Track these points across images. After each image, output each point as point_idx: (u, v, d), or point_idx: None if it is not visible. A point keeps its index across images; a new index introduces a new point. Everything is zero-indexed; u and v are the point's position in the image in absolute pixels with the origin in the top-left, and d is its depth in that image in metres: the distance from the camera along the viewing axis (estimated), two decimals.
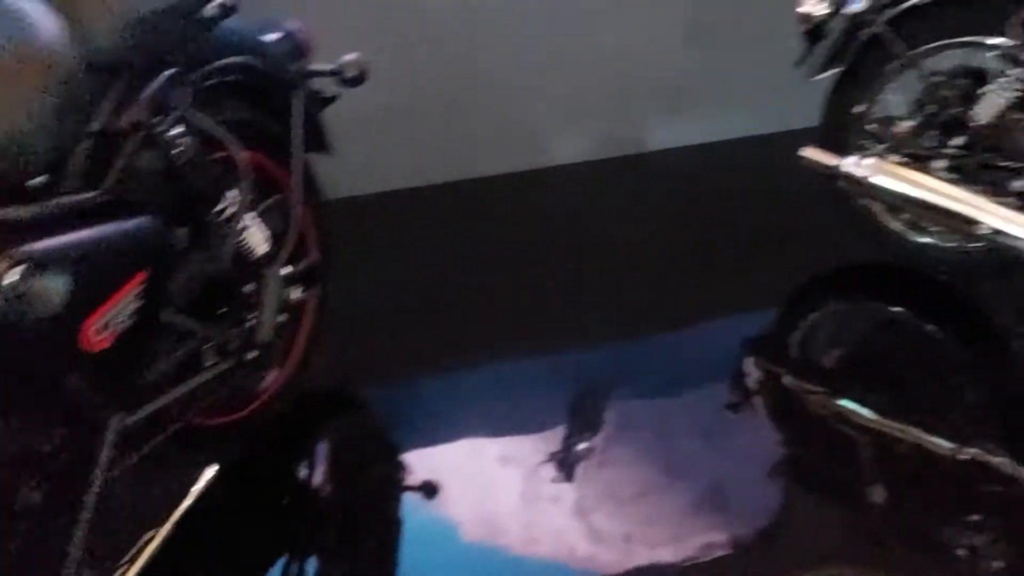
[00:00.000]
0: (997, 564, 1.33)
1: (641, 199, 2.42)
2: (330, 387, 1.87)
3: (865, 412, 1.64)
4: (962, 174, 1.72)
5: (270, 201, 1.51)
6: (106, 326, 1.07)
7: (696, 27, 2.43)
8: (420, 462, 1.63)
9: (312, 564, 1.48)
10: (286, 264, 1.50)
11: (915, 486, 1.50)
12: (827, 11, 1.78)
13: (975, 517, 1.42)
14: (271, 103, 1.48)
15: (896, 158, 1.76)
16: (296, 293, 1.57)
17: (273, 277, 1.45)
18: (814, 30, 1.81)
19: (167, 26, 1.23)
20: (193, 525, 1.41)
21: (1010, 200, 1.63)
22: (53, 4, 1.10)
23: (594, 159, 2.54)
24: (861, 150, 1.89)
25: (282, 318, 1.51)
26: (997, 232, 1.61)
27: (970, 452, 1.52)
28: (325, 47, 1.57)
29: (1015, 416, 1.63)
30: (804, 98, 1.93)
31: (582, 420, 1.70)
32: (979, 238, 1.65)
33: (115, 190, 1.14)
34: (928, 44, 1.72)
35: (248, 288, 1.43)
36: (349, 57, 1.53)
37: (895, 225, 1.91)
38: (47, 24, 1.07)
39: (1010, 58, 1.58)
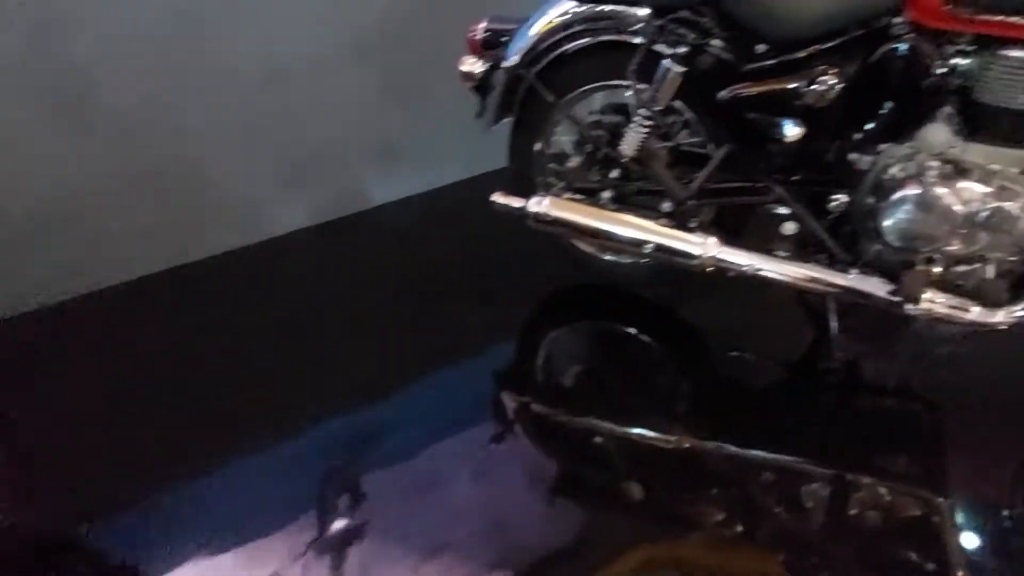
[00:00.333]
0: (734, 531, 1.54)
1: (369, 255, 2.46)
2: (33, 534, 1.59)
3: (606, 422, 1.79)
4: (624, 202, 1.92)
5: None
6: None
7: (392, 88, 2.52)
8: None
9: None
10: None
11: (661, 476, 1.66)
12: (485, 67, 1.92)
13: (713, 491, 1.61)
14: None
15: (569, 194, 1.94)
16: None
17: None
18: (480, 85, 1.96)
19: None
20: None
21: (663, 220, 1.84)
22: None
23: (317, 223, 2.54)
24: (548, 187, 2.07)
25: None
26: (659, 248, 1.82)
27: (692, 440, 1.72)
28: None
29: (718, 401, 1.87)
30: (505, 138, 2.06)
31: (340, 497, 1.64)
32: (647, 255, 1.85)
33: None
34: (574, 91, 1.91)
35: None
36: None
37: (588, 248, 2.11)
38: None
39: (638, 98, 1.79)
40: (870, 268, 1.73)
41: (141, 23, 2.11)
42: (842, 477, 1.63)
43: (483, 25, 1.93)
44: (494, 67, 1.92)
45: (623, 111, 1.90)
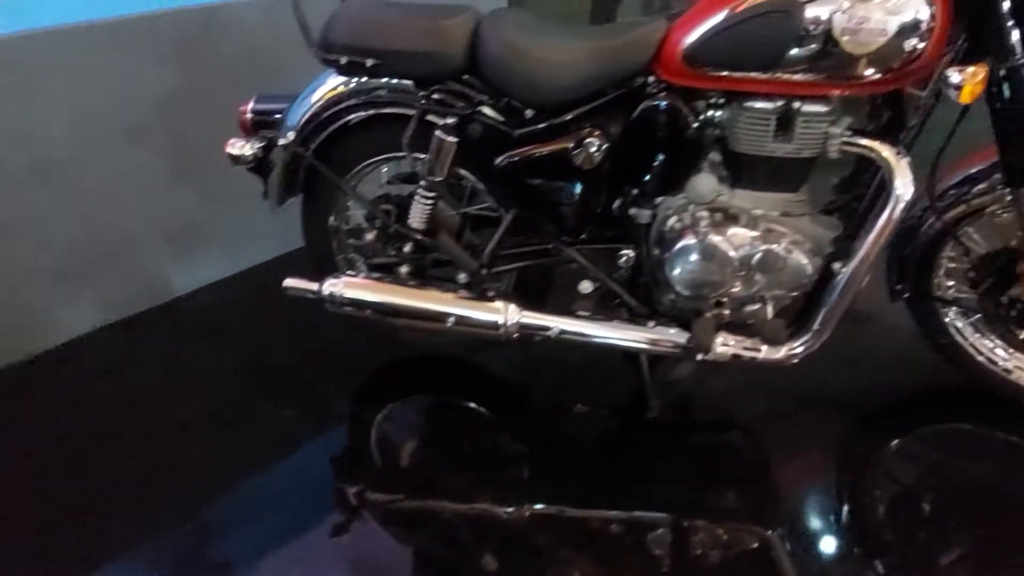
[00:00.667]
0: None
1: (177, 350, 2.27)
2: None
3: (444, 500, 1.71)
4: (423, 275, 1.86)
5: None
6: None
7: (180, 169, 2.36)
8: None
9: None
10: None
11: (512, 548, 1.60)
12: (256, 148, 1.82)
13: (562, 554, 1.57)
14: None
15: (365, 272, 1.86)
16: None
17: None
18: (258, 166, 1.85)
19: None
20: None
21: (462, 291, 1.79)
22: None
23: (111, 321, 2.33)
24: (350, 263, 1.97)
25: None
26: (459, 320, 1.76)
27: (537, 507, 1.67)
28: None
29: (551, 462, 1.83)
30: None
31: None
32: (449, 329, 1.78)
33: None
34: (356, 167, 1.84)
35: None
36: None
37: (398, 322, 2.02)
38: None
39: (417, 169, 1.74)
40: (667, 318, 1.74)
41: None
42: (680, 522, 1.63)
43: (251, 105, 1.83)
44: (269, 146, 1.82)
45: (413, 179, 1.84)
